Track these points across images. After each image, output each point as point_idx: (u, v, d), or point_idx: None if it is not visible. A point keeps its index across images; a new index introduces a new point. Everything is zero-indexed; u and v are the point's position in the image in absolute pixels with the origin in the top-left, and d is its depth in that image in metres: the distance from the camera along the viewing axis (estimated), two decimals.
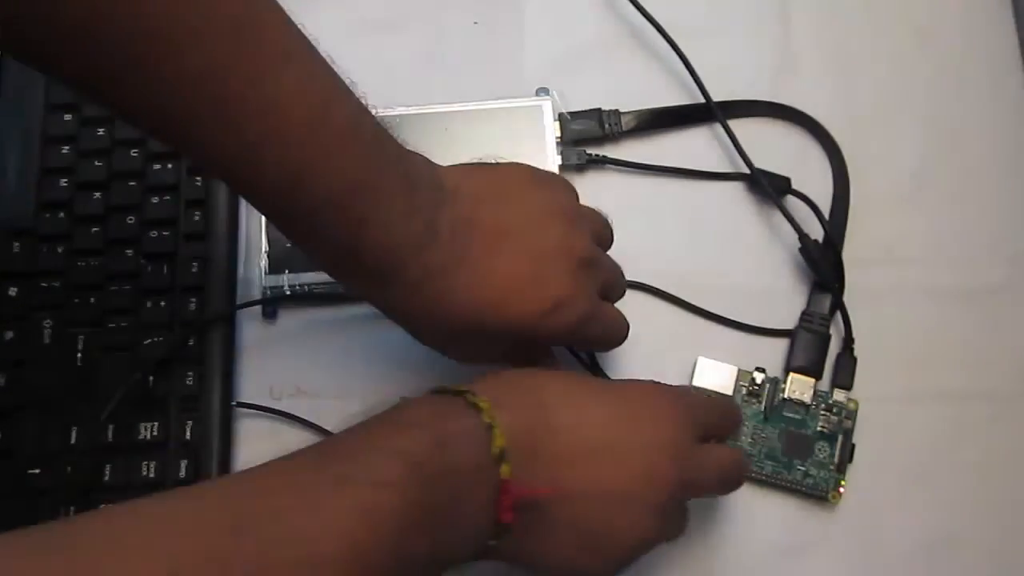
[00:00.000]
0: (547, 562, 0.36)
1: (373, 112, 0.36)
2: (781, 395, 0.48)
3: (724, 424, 0.43)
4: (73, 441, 0.45)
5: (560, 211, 0.40)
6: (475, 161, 0.41)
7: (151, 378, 0.46)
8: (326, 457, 0.32)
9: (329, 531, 0.29)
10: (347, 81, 0.35)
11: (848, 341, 0.48)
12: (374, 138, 0.36)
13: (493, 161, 0.41)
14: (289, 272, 0.48)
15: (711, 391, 0.48)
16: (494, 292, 0.37)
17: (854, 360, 0.48)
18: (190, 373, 0.46)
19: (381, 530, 0.30)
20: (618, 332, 0.42)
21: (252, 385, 0.48)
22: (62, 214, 0.48)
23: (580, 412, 0.37)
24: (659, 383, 0.40)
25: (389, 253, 0.35)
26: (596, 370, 0.47)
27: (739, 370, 0.48)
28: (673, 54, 0.52)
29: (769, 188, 0.50)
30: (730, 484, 0.41)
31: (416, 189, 0.36)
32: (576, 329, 0.39)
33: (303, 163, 0.33)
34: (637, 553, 0.37)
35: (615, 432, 0.37)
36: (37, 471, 0.44)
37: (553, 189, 0.41)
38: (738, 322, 0.49)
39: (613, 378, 0.47)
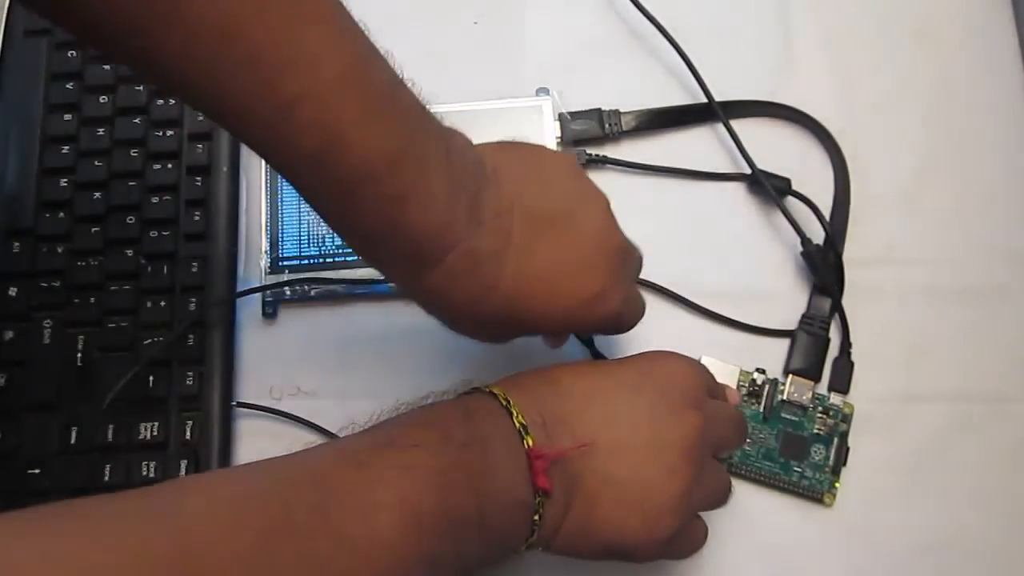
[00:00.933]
0: (596, 536, 0.36)
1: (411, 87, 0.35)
2: (780, 396, 0.48)
3: (720, 390, 0.43)
4: (73, 441, 0.45)
5: (597, 197, 0.39)
6: (507, 140, 0.40)
7: (151, 378, 0.46)
8: (365, 434, 0.34)
9: (377, 483, 0.31)
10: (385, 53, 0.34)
11: (846, 345, 0.48)
12: (413, 107, 0.34)
13: (522, 141, 0.40)
14: (289, 272, 0.48)
15: None
16: (538, 282, 0.36)
17: (851, 364, 0.48)
18: (190, 373, 0.46)
19: (424, 485, 0.31)
20: (640, 312, 0.42)
21: (252, 385, 0.48)
22: (62, 214, 0.48)
23: (592, 380, 0.38)
24: (665, 350, 0.41)
25: (432, 236, 0.34)
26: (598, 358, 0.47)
27: (740, 370, 0.48)
28: (674, 54, 0.52)
29: (771, 189, 0.50)
30: (742, 433, 0.42)
31: (459, 168, 0.34)
32: (613, 318, 0.39)
33: (339, 126, 0.31)
34: (682, 510, 0.36)
35: (630, 388, 0.38)
36: (37, 471, 0.45)
37: (588, 179, 0.40)
38: (739, 322, 0.49)
39: None
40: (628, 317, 0.40)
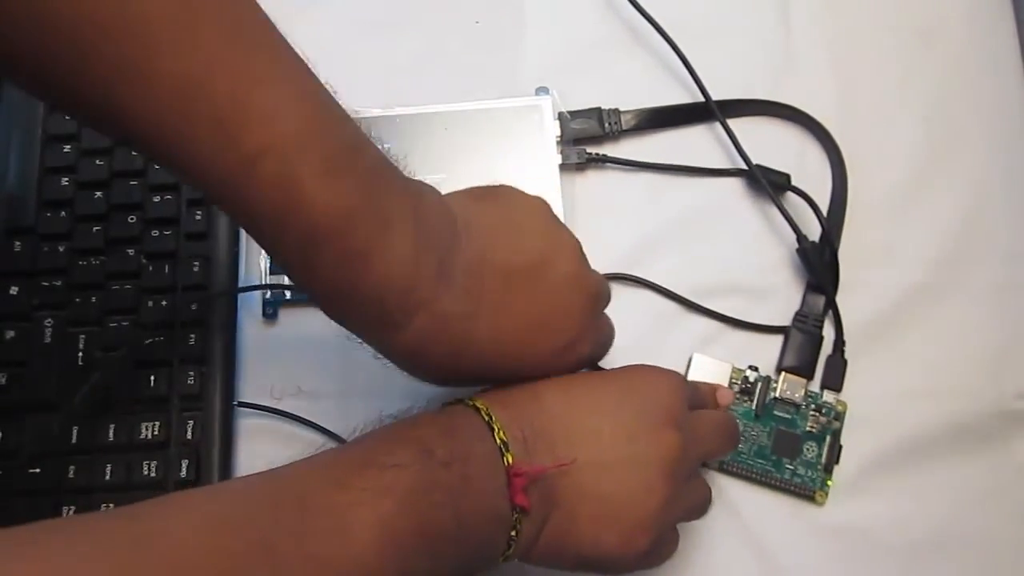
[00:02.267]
0: (573, 550, 0.36)
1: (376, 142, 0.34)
2: (773, 394, 0.48)
3: (707, 398, 0.44)
4: (73, 441, 0.45)
5: (569, 243, 0.39)
6: (483, 185, 0.39)
7: (152, 377, 0.46)
8: (347, 450, 0.35)
9: (355, 505, 0.31)
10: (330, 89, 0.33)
11: (839, 343, 0.48)
12: (377, 163, 0.34)
13: (497, 184, 0.40)
14: None
15: None
16: (511, 339, 0.36)
17: (844, 362, 0.48)
18: (191, 373, 0.46)
19: (404, 506, 0.31)
20: (610, 343, 0.42)
21: (253, 385, 0.48)
22: (63, 213, 0.49)
23: (574, 395, 0.38)
24: (647, 364, 0.41)
25: (395, 293, 0.33)
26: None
27: (732, 367, 0.48)
28: (673, 53, 0.52)
29: (767, 185, 0.50)
30: (730, 441, 0.42)
31: (426, 224, 0.34)
32: (585, 362, 0.39)
33: (299, 181, 0.30)
34: (659, 526, 0.37)
35: (611, 405, 0.38)
36: (37, 471, 0.45)
37: (560, 223, 0.40)
38: (733, 318, 0.49)
39: None
40: (599, 354, 0.41)
